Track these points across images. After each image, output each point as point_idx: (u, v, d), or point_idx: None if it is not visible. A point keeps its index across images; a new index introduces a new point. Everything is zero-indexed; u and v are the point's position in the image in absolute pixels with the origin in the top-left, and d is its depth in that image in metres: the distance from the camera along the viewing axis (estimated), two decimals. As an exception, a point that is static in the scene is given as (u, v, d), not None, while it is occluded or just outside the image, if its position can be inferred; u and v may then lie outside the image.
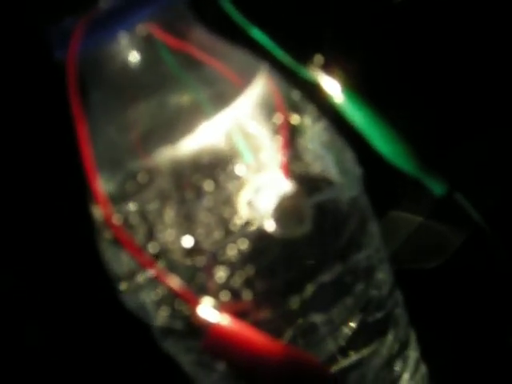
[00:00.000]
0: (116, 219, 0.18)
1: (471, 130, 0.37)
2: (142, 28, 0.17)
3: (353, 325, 0.20)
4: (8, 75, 0.29)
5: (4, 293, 0.37)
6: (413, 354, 0.25)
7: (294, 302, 0.18)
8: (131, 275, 0.19)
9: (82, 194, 0.18)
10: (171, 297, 0.18)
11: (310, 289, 0.19)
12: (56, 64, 0.17)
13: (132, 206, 0.18)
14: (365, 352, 0.21)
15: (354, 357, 0.21)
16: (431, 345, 0.27)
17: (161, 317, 0.19)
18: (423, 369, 0.26)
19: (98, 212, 0.19)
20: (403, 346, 0.24)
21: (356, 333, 0.20)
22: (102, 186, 0.18)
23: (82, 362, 0.37)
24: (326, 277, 0.19)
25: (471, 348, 0.32)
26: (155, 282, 0.18)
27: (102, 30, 0.16)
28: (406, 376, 0.24)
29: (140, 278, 0.19)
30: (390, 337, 0.23)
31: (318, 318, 0.19)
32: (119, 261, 0.19)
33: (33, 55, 0.19)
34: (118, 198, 0.18)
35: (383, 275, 0.22)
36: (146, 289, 0.19)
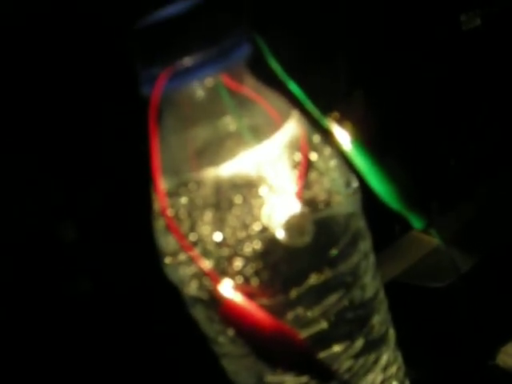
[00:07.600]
0: (169, 211, 0.25)
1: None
2: (210, 80, 0.24)
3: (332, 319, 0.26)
4: (108, 102, 0.38)
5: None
6: (388, 351, 0.31)
7: (292, 293, 0.25)
8: (175, 253, 0.25)
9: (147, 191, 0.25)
10: (201, 274, 0.25)
11: (304, 286, 0.25)
12: (142, 96, 0.24)
13: (182, 204, 0.25)
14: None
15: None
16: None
17: (192, 287, 0.26)
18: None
19: (157, 204, 0.26)
20: (379, 341, 0.30)
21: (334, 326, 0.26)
22: (163, 185, 0.25)
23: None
24: (316, 278, 0.25)
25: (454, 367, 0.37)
26: (191, 261, 0.25)
27: (180, 79, 0.23)
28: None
29: (181, 257, 0.25)
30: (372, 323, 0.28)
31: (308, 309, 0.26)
32: (167, 242, 0.26)
33: (127, 89, 0.26)
34: (173, 196, 0.25)
35: (368, 281, 0.28)
36: (184, 265, 0.25)
